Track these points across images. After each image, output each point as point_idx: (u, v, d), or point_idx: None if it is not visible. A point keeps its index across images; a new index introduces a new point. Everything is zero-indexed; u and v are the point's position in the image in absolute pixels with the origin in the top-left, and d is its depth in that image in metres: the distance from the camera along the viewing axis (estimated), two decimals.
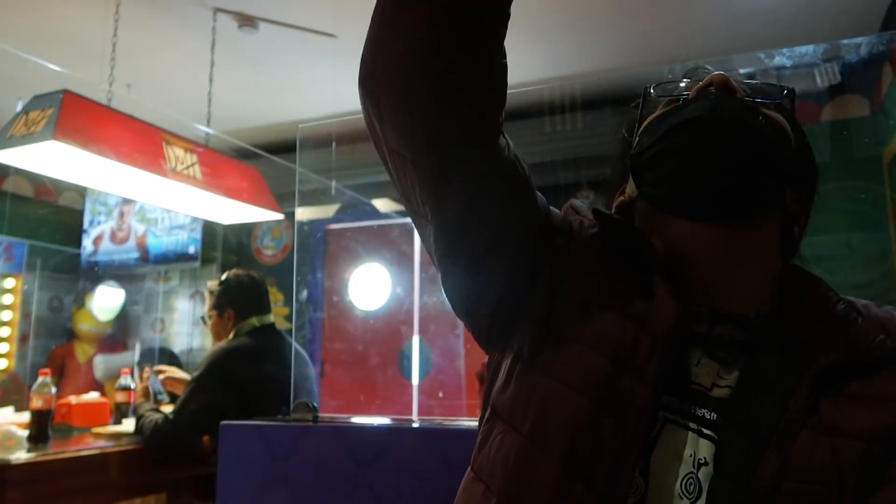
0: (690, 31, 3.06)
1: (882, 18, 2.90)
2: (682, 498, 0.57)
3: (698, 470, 0.57)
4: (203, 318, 2.67)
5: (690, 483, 0.57)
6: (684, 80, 0.72)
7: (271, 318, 2.59)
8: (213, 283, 2.59)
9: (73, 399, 2.67)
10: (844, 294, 0.67)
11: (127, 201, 4.53)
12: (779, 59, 2.96)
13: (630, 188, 0.75)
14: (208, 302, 2.58)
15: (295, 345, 2.47)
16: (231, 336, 2.49)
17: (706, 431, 0.58)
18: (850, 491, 0.54)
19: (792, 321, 0.63)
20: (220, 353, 2.36)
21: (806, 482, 0.54)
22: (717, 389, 0.60)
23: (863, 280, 2.79)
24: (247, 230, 4.52)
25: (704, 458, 0.57)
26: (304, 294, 4.08)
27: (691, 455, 0.58)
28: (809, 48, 2.94)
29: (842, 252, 2.99)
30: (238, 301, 2.52)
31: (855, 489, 0.54)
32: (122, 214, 4.61)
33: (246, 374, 2.31)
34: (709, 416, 0.59)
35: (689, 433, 0.59)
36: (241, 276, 2.59)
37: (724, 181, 0.61)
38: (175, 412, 2.26)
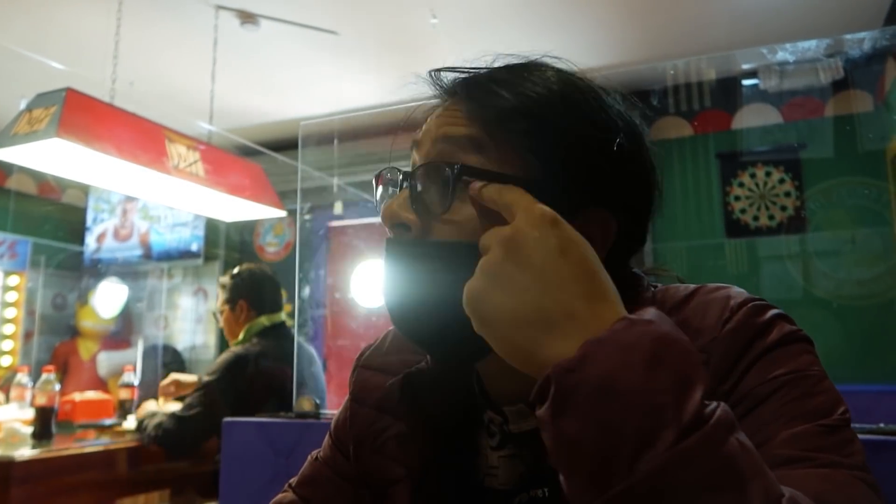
0: (694, 26, 3.05)
1: (885, 13, 2.89)
2: None
3: None
4: (215, 314, 2.65)
5: None
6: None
7: (282, 315, 2.56)
8: (224, 278, 2.56)
9: (76, 396, 2.68)
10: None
11: (130, 199, 4.54)
12: (782, 55, 2.95)
13: None
14: (220, 297, 2.55)
15: (304, 343, 2.45)
16: (241, 337, 2.47)
17: None
18: None
19: None
20: (231, 359, 2.34)
21: None
22: None
23: (867, 276, 2.78)
24: (249, 227, 4.52)
25: None
26: (307, 291, 4.08)
27: None
28: (812, 43, 2.93)
29: (846, 248, 2.98)
30: (251, 294, 2.50)
31: None
32: (125, 212, 4.62)
33: (256, 379, 2.31)
34: (541, 495, 0.60)
35: None
36: (252, 269, 2.58)
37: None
38: (182, 414, 2.26)
